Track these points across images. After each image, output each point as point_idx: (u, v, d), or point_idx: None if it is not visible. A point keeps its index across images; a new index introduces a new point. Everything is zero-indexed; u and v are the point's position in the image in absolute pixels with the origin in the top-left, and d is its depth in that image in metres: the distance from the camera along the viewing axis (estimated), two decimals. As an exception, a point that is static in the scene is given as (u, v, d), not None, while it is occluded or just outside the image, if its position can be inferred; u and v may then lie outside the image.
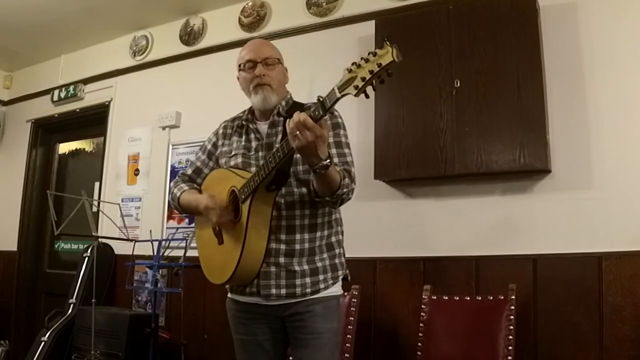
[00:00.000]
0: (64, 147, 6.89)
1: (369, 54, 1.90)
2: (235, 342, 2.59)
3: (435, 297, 3.74)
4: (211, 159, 2.76)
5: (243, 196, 2.35)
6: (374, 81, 1.91)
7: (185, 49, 5.62)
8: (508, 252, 3.74)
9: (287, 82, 2.70)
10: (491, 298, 3.55)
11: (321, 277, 2.45)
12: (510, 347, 3.31)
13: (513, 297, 3.44)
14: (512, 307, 3.42)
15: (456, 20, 3.83)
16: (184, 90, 5.54)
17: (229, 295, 2.62)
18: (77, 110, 6.38)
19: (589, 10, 3.72)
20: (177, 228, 5.12)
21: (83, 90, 6.36)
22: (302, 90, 4.22)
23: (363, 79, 1.89)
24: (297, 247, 2.43)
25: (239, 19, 5.24)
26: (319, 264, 2.46)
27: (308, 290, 2.41)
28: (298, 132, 2.02)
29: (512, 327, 3.36)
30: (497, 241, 3.80)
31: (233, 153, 2.61)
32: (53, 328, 5.17)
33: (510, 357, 3.29)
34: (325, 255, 2.49)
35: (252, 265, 2.37)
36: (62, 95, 6.46)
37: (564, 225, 3.61)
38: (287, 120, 2.09)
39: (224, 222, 2.42)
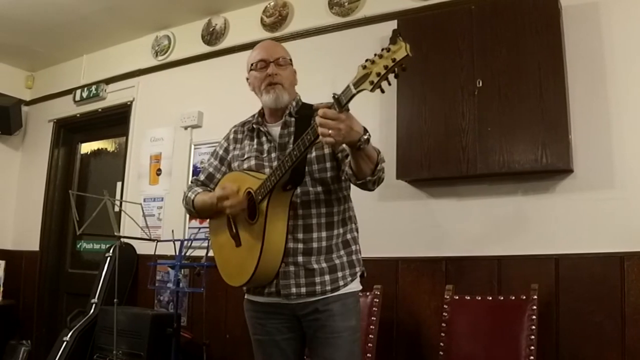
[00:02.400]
0: (86, 147, 7.01)
1: (382, 49, 1.95)
2: (253, 343, 2.66)
3: (457, 297, 3.80)
4: (223, 164, 2.82)
5: (260, 197, 2.41)
6: (388, 76, 1.96)
7: (207, 48, 5.72)
8: (530, 252, 3.79)
9: (296, 84, 2.76)
10: (513, 298, 3.59)
11: (340, 274, 2.51)
12: (533, 347, 3.35)
13: (535, 297, 3.48)
14: (534, 307, 3.45)
15: (478, 20, 3.89)
16: (206, 90, 5.65)
17: (246, 296, 2.69)
18: (99, 110, 6.51)
19: (611, 9, 3.77)
20: (199, 228, 5.21)
21: (105, 90, 6.48)
22: (324, 89, 4.26)
23: (378, 74, 1.94)
24: (315, 245, 2.49)
25: (261, 19, 5.34)
26: (337, 261, 2.52)
27: (328, 287, 2.47)
28: (330, 130, 2.06)
29: (534, 327, 3.40)
30: (519, 241, 3.85)
31: (246, 156, 2.67)
32: (75, 328, 5.26)
33: (532, 357, 3.32)
34: (342, 252, 2.55)
35: (271, 265, 2.43)
36: (84, 95, 6.60)
37: (586, 225, 3.66)
38: (312, 120, 2.14)
39: (238, 209, 2.48)
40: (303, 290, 2.46)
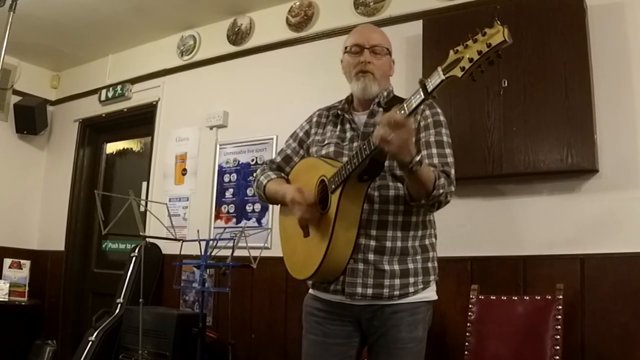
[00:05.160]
0: (112, 147, 7.18)
1: (477, 32, 1.85)
2: (304, 340, 2.57)
3: (482, 297, 3.88)
4: (302, 147, 2.74)
5: (333, 186, 2.29)
6: (481, 63, 1.87)
7: (232, 48, 5.85)
8: (555, 251, 3.85)
9: (391, 75, 2.67)
10: (539, 298, 3.66)
11: (411, 279, 2.38)
12: (558, 347, 3.42)
13: (560, 296, 3.55)
14: (560, 307, 3.52)
15: (503, 20, 3.85)
16: (231, 90, 5.77)
17: (310, 291, 2.59)
18: (125, 110, 6.66)
19: (637, 9, 3.82)
20: (225, 228, 5.33)
21: (130, 90, 6.63)
22: (348, 90, 4.39)
23: (471, 59, 1.85)
24: (389, 244, 2.36)
25: (287, 19, 5.47)
26: (411, 266, 2.39)
27: (396, 292, 2.35)
28: (392, 135, 1.95)
29: (559, 327, 3.47)
30: (544, 241, 3.91)
31: (326, 142, 2.58)
32: (101, 328, 5.39)
33: (557, 357, 3.40)
34: (418, 257, 2.42)
35: (338, 260, 2.31)
36: (110, 95, 6.76)
37: (612, 225, 3.72)
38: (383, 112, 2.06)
39: (309, 219, 2.38)
40: (369, 291, 2.34)
